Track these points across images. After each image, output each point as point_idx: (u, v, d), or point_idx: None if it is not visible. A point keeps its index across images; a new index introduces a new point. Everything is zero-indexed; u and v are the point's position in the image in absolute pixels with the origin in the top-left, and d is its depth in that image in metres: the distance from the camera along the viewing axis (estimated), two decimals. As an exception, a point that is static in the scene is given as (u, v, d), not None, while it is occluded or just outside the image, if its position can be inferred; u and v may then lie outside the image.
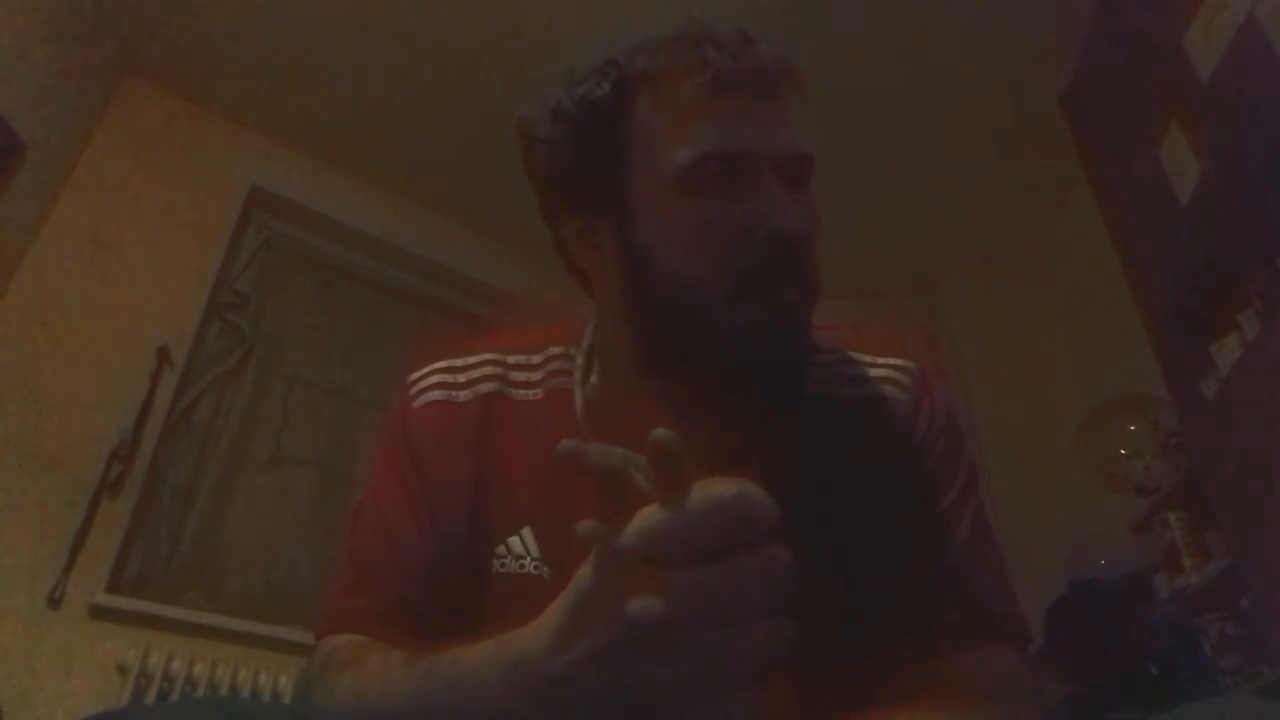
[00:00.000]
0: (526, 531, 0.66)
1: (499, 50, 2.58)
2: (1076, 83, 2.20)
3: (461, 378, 0.73)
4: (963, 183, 2.95)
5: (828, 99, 2.50)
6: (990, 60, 2.54)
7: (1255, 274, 1.56)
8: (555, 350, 0.75)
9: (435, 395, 0.72)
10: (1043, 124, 2.47)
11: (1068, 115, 2.28)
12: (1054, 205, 2.97)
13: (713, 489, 0.37)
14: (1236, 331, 1.61)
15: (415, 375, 0.75)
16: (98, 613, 2.09)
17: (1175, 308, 1.81)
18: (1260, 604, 1.62)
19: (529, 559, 0.65)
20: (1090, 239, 2.48)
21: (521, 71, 2.57)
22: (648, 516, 0.37)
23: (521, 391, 0.73)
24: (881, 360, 0.73)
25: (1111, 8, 2.02)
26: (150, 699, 1.98)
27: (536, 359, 0.74)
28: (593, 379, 0.71)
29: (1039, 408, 2.95)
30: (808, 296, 0.62)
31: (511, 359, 0.74)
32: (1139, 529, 2.25)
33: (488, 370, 0.73)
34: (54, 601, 2.04)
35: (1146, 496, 2.22)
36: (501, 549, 0.66)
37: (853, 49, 2.54)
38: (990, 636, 0.62)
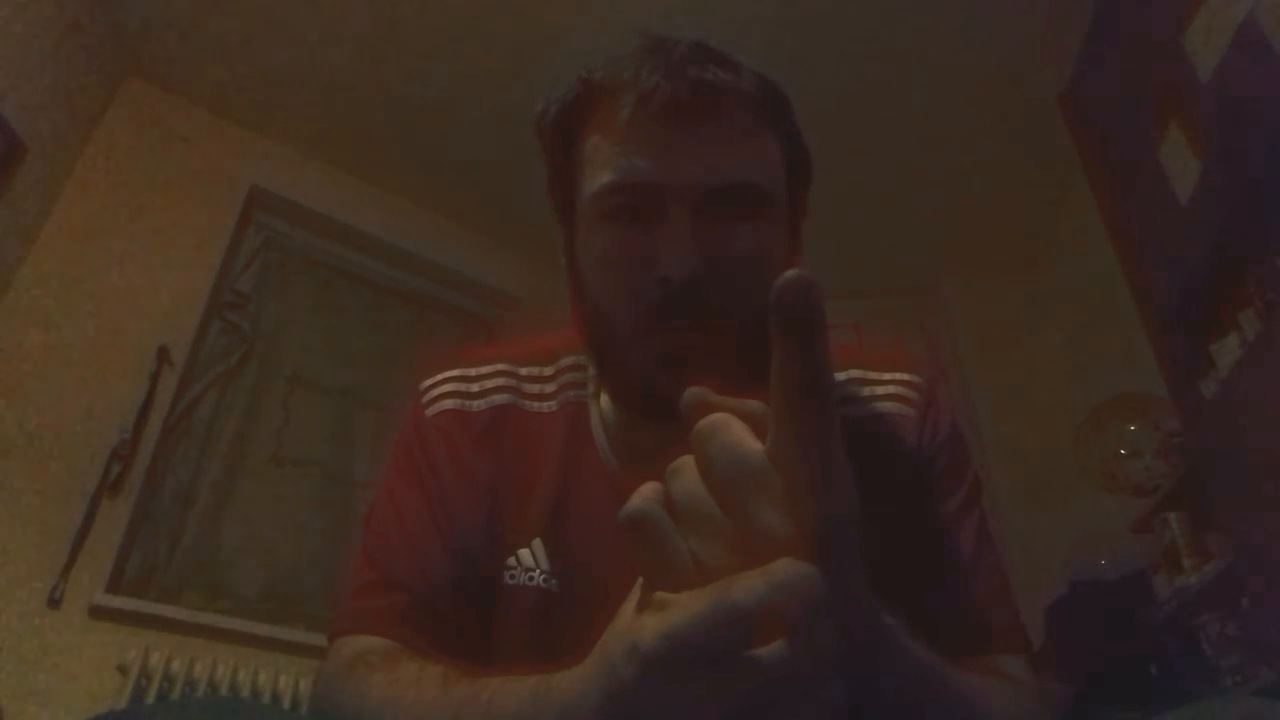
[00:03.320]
0: (537, 544, 0.66)
1: (499, 50, 2.58)
2: (1076, 83, 2.20)
3: (474, 387, 0.73)
4: (963, 182, 2.95)
5: (828, 100, 2.50)
6: (990, 60, 2.54)
7: (1255, 274, 1.56)
8: (567, 361, 0.74)
9: (449, 404, 0.72)
10: (1043, 124, 2.47)
11: (1068, 115, 2.28)
12: (1054, 205, 2.97)
13: (744, 581, 0.33)
14: (1236, 331, 1.61)
15: (427, 382, 0.75)
16: (98, 613, 2.08)
17: (1175, 308, 1.81)
18: (1260, 604, 1.62)
19: (539, 571, 0.65)
20: (1090, 239, 2.48)
21: (522, 71, 2.57)
22: (675, 614, 0.34)
23: (535, 404, 0.72)
24: (889, 376, 0.72)
25: (1111, 8, 2.02)
26: (150, 699, 1.98)
27: (549, 370, 0.74)
28: (605, 393, 0.70)
29: (1039, 408, 2.95)
30: (716, 334, 0.58)
31: (524, 370, 0.74)
32: (1139, 529, 2.25)
33: (500, 381, 0.73)
34: (54, 601, 2.03)
35: (1146, 496, 2.22)
36: (512, 560, 0.66)
37: (853, 49, 2.54)
38: (994, 649, 0.62)
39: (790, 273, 0.33)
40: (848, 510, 0.36)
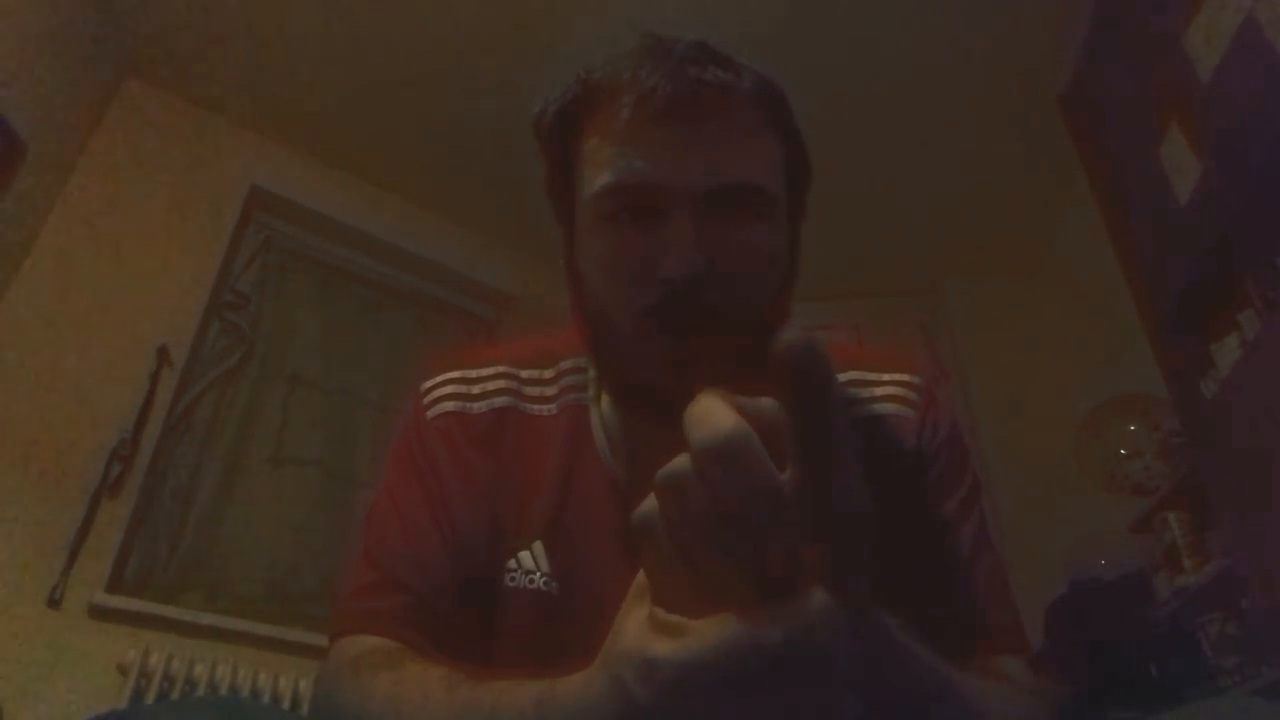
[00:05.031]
0: (538, 546, 0.66)
1: (500, 50, 2.58)
2: (1076, 83, 2.20)
3: (475, 389, 0.73)
4: (963, 183, 2.95)
5: (828, 100, 2.50)
6: (990, 61, 2.54)
7: (1255, 274, 1.56)
8: (567, 363, 0.74)
9: (449, 406, 0.72)
10: (1043, 124, 2.47)
11: (1068, 115, 2.28)
12: (1054, 205, 2.97)
13: (767, 613, 0.33)
14: (1236, 331, 1.61)
15: (428, 384, 0.75)
16: (98, 613, 2.09)
17: (1175, 308, 1.81)
18: (1260, 604, 1.62)
19: (539, 574, 0.65)
20: (1090, 239, 2.48)
21: (522, 71, 2.57)
22: (694, 641, 0.34)
23: (535, 406, 0.72)
24: (889, 376, 0.72)
25: (1111, 8, 2.02)
26: (150, 699, 1.98)
27: (549, 373, 0.74)
28: (605, 396, 0.70)
29: (1039, 408, 2.95)
30: (717, 334, 0.58)
31: (524, 373, 0.74)
32: (1139, 529, 2.25)
33: (501, 383, 0.73)
34: (54, 601, 2.03)
35: (1146, 496, 2.22)
36: (512, 563, 0.66)
37: (853, 49, 2.54)
38: (994, 650, 0.62)
39: (789, 335, 0.32)
40: (867, 538, 0.36)
